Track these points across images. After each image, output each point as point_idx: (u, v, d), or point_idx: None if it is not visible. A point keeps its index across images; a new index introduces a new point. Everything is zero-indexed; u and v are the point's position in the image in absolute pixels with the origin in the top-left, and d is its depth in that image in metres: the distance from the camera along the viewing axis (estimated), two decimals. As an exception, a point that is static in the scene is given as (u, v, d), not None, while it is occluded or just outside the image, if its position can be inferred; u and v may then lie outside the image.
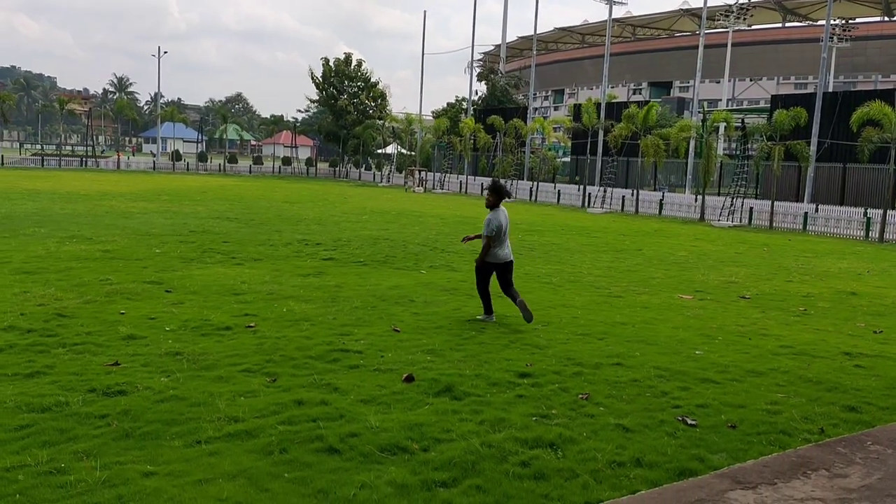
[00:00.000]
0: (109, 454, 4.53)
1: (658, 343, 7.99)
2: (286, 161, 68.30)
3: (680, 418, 5.56)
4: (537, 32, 56.79)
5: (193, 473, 4.32)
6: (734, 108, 54.20)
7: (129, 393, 5.65)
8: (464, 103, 65.06)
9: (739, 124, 31.94)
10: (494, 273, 8.73)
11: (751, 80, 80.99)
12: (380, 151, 64.34)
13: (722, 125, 33.43)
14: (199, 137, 78.52)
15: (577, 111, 47.26)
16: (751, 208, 28.39)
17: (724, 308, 10.37)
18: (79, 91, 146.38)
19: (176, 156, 63.52)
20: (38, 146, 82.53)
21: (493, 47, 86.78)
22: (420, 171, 49.32)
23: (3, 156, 53.29)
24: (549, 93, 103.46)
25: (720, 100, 59.97)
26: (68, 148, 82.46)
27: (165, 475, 4.29)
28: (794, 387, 6.56)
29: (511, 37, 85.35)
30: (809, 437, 5.22)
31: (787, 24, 75.19)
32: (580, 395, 6.02)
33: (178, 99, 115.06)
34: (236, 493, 4.10)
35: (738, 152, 34.06)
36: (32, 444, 4.64)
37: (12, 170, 47.64)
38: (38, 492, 4.04)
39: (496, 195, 8.77)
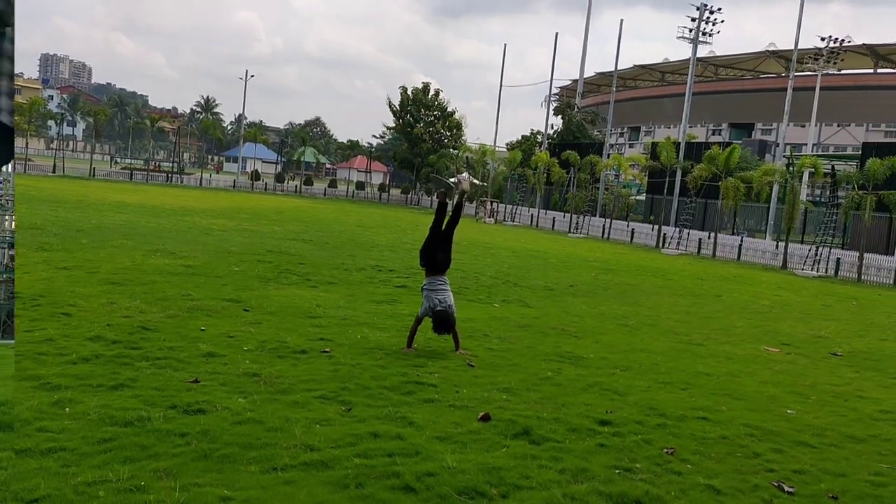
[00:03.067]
0: (188, 475, 4.51)
1: (746, 398, 7.57)
2: (359, 185, 69.49)
3: (776, 484, 5.19)
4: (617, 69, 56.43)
5: (270, 502, 4.25)
6: (820, 153, 52.32)
7: (208, 412, 5.66)
8: (538, 136, 65.05)
9: (829, 171, 30.75)
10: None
11: (838, 126, 78.36)
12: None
13: (809, 171, 32.23)
14: (278, 159, 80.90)
15: (654, 149, 46.48)
16: (838, 259, 27.09)
17: (815, 365, 9.81)
18: (168, 109, 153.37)
19: (255, 175, 65.50)
20: (129, 160, 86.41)
21: (570, 82, 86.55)
22: (492, 203, 49.35)
23: (94, 168, 55.96)
24: (625, 129, 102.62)
25: (804, 144, 57.97)
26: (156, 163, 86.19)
27: (242, 501, 4.24)
28: (899, 457, 6.08)
29: (589, 72, 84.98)
30: (922, 517, 4.79)
31: (879, 71, 72.47)
32: (665, 450, 5.71)
33: (261, 121, 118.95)
34: (312, 527, 4.00)
35: (827, 200, 32.73)
36: (114, 458, 4.66)
37: (103, 182, 49.93)
38: (118, 510, 4.03)
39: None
